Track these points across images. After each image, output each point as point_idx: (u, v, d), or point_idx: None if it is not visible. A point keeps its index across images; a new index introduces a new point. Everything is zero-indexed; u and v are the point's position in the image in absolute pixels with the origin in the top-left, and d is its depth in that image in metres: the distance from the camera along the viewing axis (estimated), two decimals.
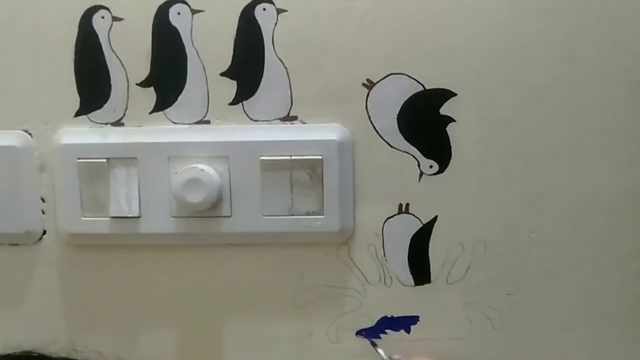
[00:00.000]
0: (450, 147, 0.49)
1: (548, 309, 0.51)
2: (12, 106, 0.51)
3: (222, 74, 0.49)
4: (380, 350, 0.51)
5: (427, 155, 0.50)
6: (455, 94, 0.49)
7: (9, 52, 0.50)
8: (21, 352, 0.52)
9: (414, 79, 0.49)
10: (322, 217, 0.49)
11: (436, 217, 0.50)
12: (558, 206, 0.50)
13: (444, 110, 0.49)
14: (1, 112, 0.51)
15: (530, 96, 0.49)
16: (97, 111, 0.50)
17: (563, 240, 0.50)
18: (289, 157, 0.48)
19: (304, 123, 0.50)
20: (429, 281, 0.51)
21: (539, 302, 0.51)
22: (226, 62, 0.49)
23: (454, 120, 0.49)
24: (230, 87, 0.49)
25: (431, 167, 0.50)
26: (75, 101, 0.50)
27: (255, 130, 0.49)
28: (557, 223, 0.50)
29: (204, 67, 0.49)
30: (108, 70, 0.50)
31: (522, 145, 0.49)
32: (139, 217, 0.50)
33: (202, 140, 0.49)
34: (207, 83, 0.49)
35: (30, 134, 0.51)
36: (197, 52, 0.49)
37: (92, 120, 0.51)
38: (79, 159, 0.50)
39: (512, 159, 0.50)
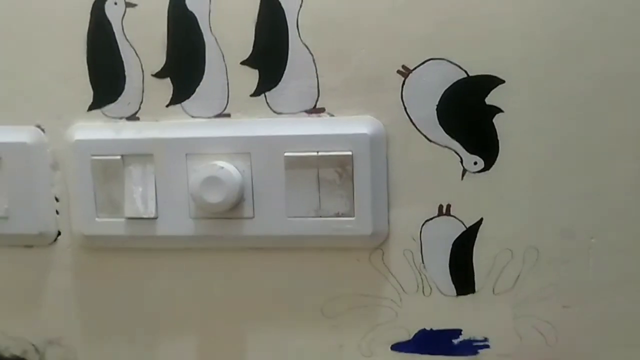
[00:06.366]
0: (497, 141, 0.47)
1: (610, 323, 0.48)
2: (24, 101, 0.50)
3: (242, 63, 0.48)
4: None
5: (470, 150, 0.47)
6: (503, 81, 0.46)
7: (19, 44, 0.50)
8: (12, 357, 0.53)
9: (455, 64, 0.46)
10: (352, 219, 0.47)
11: (481, 219, 0.48)
12: (621, 207, 0.47)
13: (491, 99, 0.46)
14: (12, 107, 0.51)
15: (588, 82, 0.45)
16: (111, 105, 0.50)
17: (627, 246, 0.47)
18: (315, 153, 0.47)
19: (332, 115, 0.48)
20: (472, 291, 0.49)
21: (599, 316, 0.48)
22: (247, 50, 0.47)
23: (502, 111, 0.46)
24: (251, 76, 0.48)
25: (475, 163, 0.47)
26: (88, 94, 0.50)
27: (279, 124, 0.48)
28: (621, 226, 0.47)
29: (223, 56, 0.48)
30: (122, 61, 0.49)
31: (579, 138, 0.46)
32: (155, 218, 0.49)
33: (221, 135, 0.48)
34: (226, 73, 0.48)
35: (42, 130, 0.51)
36: (216, 39, 0.48)
37: (106, 115, 0.50)
38: (92, 155, 0.49)
39: (568, 153, 0.46)
